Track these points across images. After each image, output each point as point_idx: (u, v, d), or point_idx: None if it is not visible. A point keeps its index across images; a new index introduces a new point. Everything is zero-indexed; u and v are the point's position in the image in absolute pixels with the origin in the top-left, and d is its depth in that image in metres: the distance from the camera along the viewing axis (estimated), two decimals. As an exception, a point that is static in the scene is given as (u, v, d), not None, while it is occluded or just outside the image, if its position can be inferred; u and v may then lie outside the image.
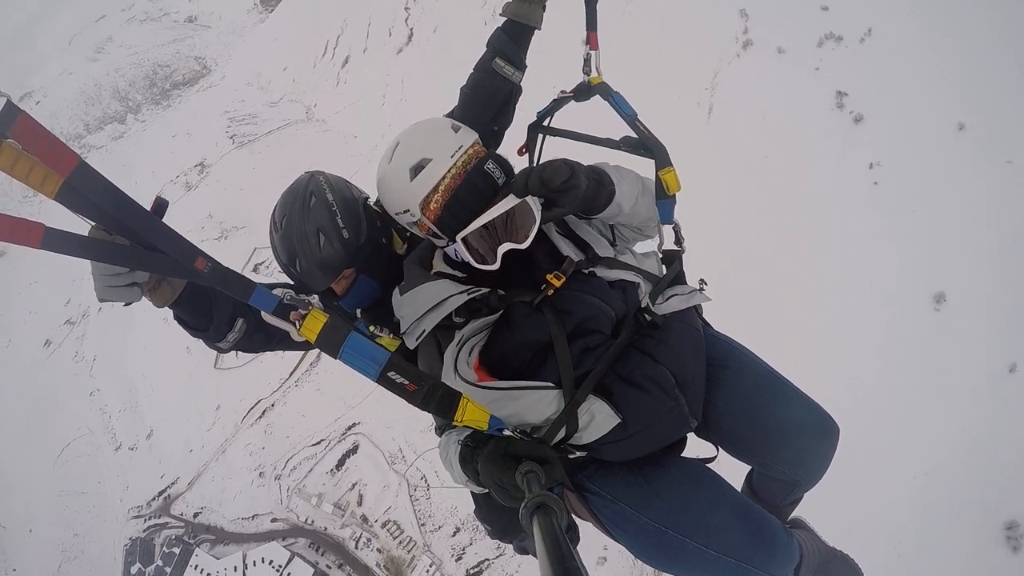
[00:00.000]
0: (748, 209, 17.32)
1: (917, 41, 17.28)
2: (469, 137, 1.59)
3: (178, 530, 30.78)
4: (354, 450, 27.77)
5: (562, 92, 2.01)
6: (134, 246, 1.01)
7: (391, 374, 1.11)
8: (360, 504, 26.88)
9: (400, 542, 25.74)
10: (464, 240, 1.52)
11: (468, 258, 1.55)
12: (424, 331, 1.50)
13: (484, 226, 1.50)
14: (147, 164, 48.52)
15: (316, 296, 1.29)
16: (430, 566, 24.68)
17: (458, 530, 25.02)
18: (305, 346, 1.57)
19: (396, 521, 25.96)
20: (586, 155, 1.80)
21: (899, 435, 12.92)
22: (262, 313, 1.09)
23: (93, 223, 0.99)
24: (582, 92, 1.98)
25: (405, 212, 1.58)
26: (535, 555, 1.06)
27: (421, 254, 1.73)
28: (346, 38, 51.75)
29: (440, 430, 1.68)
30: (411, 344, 1.54)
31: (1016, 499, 12.63)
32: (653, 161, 1.73)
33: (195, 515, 30.73)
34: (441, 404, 1.16)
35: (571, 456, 1.49)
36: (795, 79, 19.46)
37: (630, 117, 1.83)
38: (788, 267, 16.80)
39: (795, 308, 15.51)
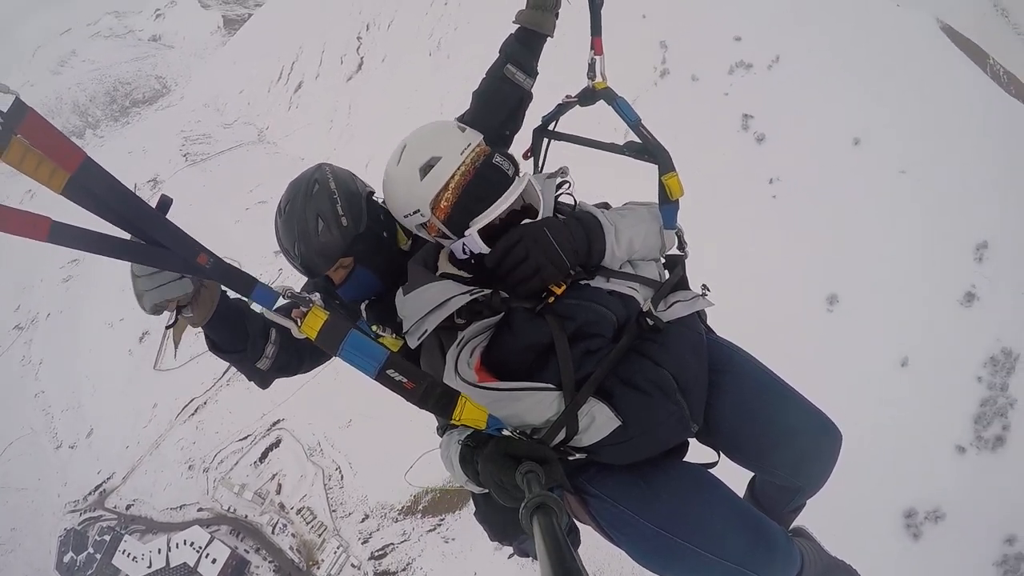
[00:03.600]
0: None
1: (820, 66, 18.75)
2: (476, 136, 1.65)
3: (112, 521, 32.63)
4: (277, 444, 30.14)
5: (567, 97, 2.04)
6: (138, 241, 1.01)
7: (389, 371, 1.12)
8: (279, 492, 29.31)
9: (312, 527, 28.01)
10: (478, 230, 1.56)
11: (481, 247, 1.57)
12: (426, 331, 1.50)
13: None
14: (102, 178, 50.57)
15: (317, 295, 1.36)
16: (338, 548, 26.95)
17: (367, 516, 27.16)
18: (325, 357, 1.60)
19: (310, 508, 28.28)
20: (589, 157, 2.08)
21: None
22: (263, 312, 1.12)
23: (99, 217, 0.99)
24: (586, 97, 1.99)
25: (415, 213, 1.61)
26: (536, 557, 1.05)
27: (426, 255, 1.73)
28: (300, 64, 54.78)
29: (441, 430, 1.63)
30: (412, 344, 1.54)
31: (912, 488, 13.31)
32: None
33: (128, 507, 32.71)
34: (439, 403, 1.17)
35: (571, 458, 1.48)
36: (706, 104, 21.07)
37: (634, 122, 1.83)
38: (690, 276, 18.95)
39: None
